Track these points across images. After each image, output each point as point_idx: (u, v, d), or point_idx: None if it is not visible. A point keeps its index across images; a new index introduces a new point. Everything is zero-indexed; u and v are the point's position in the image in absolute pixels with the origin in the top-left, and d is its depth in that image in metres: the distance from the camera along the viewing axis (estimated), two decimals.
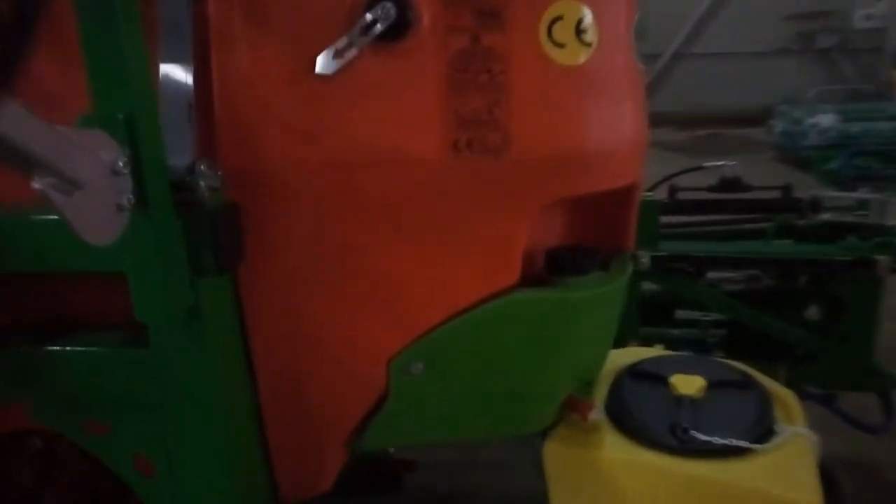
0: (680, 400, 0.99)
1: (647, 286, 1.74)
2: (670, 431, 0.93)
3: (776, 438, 0.93)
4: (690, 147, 6.76)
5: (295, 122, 0.74)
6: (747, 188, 1.80)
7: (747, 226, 1.88)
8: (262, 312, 0.80)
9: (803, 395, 1.76)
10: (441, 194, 0.77)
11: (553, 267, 0.89)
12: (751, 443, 0.91)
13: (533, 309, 0.84)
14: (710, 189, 1.80)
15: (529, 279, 0.90)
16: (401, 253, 0.79)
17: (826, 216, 1.72)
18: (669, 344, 1.88)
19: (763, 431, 0.94)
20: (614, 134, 0.83)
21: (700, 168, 1.82)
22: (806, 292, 1.84)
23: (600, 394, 1.06)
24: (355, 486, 1.41)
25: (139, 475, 0.79)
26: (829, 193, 1.74)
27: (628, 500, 0.90)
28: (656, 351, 1.25)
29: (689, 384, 1.01)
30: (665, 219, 1.80)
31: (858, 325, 1.67)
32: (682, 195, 1.80)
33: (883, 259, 1.59)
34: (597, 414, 0.94)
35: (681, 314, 1.96)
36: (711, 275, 1.83)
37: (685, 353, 1.25)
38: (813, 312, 1.87)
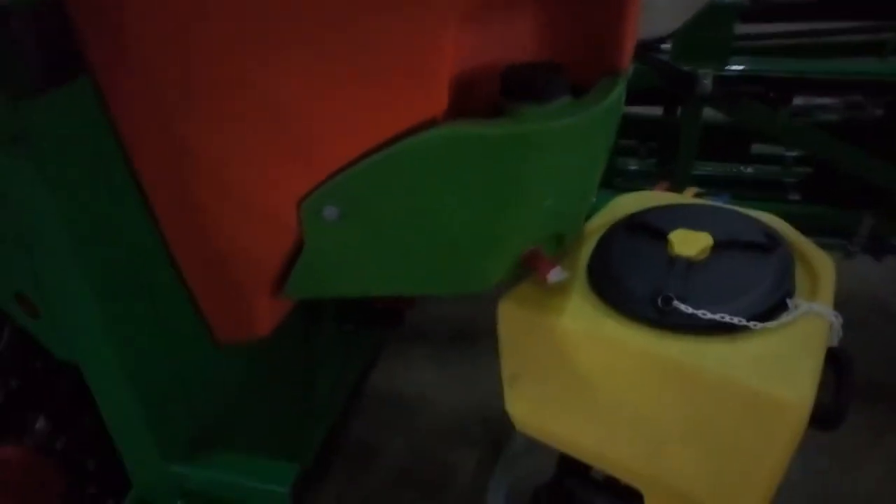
0: (674, 262, 0.81)
1: (712, 114, 1.45)
2: (651, 300, 0.77)
3: (784, 316, 0.74)
4: None
5: None
6: None
7: (859, 37, 1.48)
8: (139, 132, 0.69)
9: (886, 249, 1.50)
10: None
11: (506, 91, 0.70)
12: (749, 320, 0.73)
13: (470, 147, 0.66)
14: None
15: (482, 107, 0.72)
16: (286, 67, 0.62)
17: None
18: (739, 185, 1.63)
19: (771, 307, 0.75)
20: None
21: None
22: None
23: (587, 248, 0.89)
24: (356, 318, 1.39)
25: (27, 316, 0.75)
26: None
27: (583, 376, 0.77)
28: (680, 197, 1.03)
29: (690, 242, 0.82)
30: (747, 28, 1.46)
31: None
32: None
33: None
34: (559, 275, 0.78)
35: (758, 148, 1.67)
36: (799, 101, 1.50)
37: (713, 202, 1.03)
38: None
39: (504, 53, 0.72)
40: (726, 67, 1.33)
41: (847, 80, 1.35)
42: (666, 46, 1.46)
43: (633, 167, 1.68)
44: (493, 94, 0.71)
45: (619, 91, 0.73)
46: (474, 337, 1.72)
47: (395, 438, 1.47)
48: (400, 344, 1.66)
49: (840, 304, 1.70)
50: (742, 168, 1.65)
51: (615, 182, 1.63)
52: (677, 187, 1.49)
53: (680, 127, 1.46)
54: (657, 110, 1.65)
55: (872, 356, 1.57)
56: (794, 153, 1.64)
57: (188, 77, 0.64)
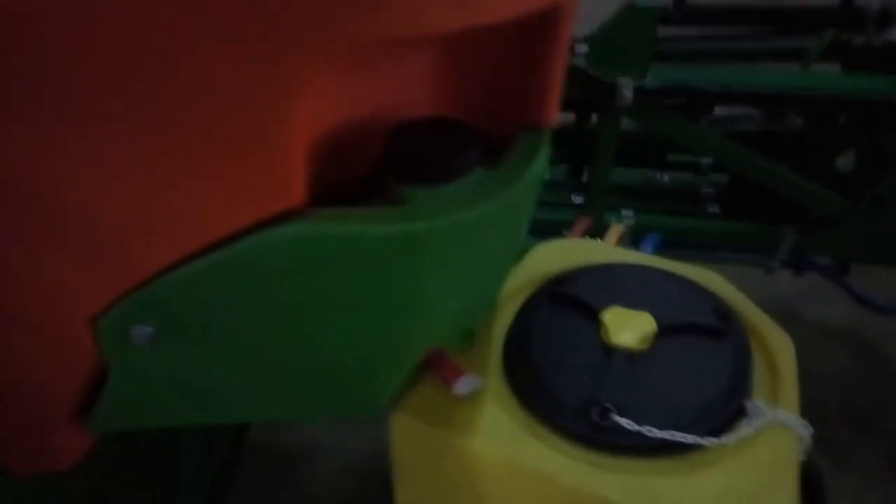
0: (610, 354, 0.65)
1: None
2: (583, 411, 0.60)
3: (744, 428, 0.60)
4: None
5: None
6: None
7: (783, 44, 1.38)
8: None
9: (806, 266, 1.43)
10: (130, 36, 0.35)
11: (392, 169, 0.50)
12: (703, 434, 0.59)
13: (339, 248, 0.46)
14: None
15: (366, 174, 0.52)
16: (81, 148, 0.40)
17: None
18: (651, 195, 1.51)
19: (728, 414, 0.61)
20: None
21: None
22: (842, 138, 1.40)
23: (502, 326, 0.72)
24: None
25: None
26: None
27: None
28: (607, 249, 0.88)
29: (629, 327, 0.66)
30: (668, 30, 1.32)
31: None
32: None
33: None
34: (469, 385, 0.60)
35: (674, 154, 1.56)
36: (721, 111, 1.39)
37: (644, 246, 0.89)
38: (846, 163, 1.45)
39: (395, 102, 0.52)
40: (647, 78, 1.19)
41: (769, 93, 1.24)
42: (580, 48, 1.30)
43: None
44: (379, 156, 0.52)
45: (544, 154, 0.55)
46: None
47: None
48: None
49: None
50: (658, 176, 1.53)
51: None
52: (594, 208, 1.35)
53: (594, 137, 1.31)
54: (570, 115, 1.49)
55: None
56: (710, 160, 1.54)
57: None
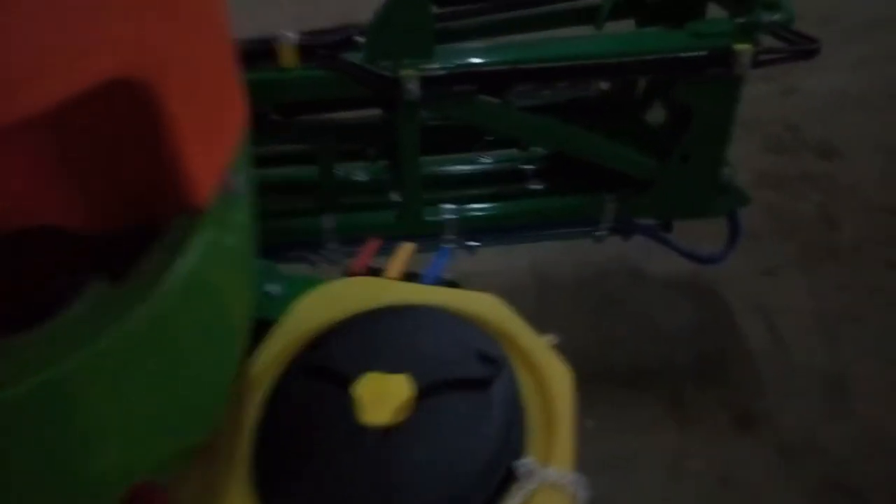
0: (363, 437, 0.56)
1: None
2: None
3: (514, 497, 0.53)
4: None
5: None
6: None
7: (573, 5, 1.33)
8: None
9: (632, 229, 1.42)
10: None
11: None
12: None
13: None
14: None
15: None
16: None
17: None
18: (474, 181, 1.44)
19: (497, 482, 0.54)
20: None
21: None
22: (644, 98, 1.38)
23: (251, 415, 0.61)
24: None
25: None
26: None
27: None
28: (382, 285, 0.78)
29: (384, 397, 0.57)
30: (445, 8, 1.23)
31: (707, 138, 1.26)
32: None
33: (744, 50, 1.14)
34: None
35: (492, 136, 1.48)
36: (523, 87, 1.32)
37: (433, 266, 0.81)
38: (657, 116, 1.43)
39: None
40: (432, 65, 1.09)
41: (564, 66, 1.18)
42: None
43: (360, 178, 1.41)
44: None
45: (205, 238, 0.44)
46: None
47: None
48: None
49: (598, 280, 1.56)
50: (477, 158, 1.46)
51: (341, 201, 1.35)
52: (411, 206, 1.26)
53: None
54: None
55: (637, 333, 1.52)
56: None
57: None
